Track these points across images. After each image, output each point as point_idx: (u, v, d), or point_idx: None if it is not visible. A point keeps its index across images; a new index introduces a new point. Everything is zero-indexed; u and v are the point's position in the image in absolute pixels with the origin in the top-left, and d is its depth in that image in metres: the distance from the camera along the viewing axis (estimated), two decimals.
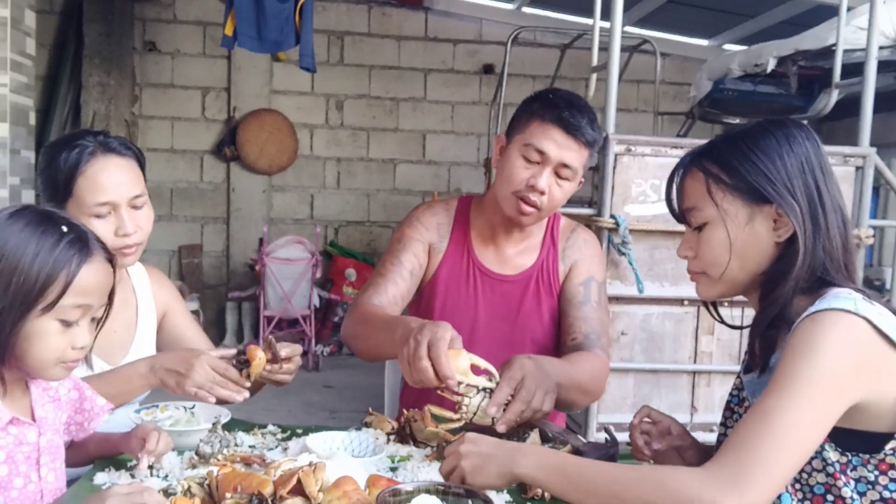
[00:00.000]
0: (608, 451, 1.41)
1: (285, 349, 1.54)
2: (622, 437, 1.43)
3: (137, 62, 6.59)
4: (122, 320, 1.70)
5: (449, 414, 1.36)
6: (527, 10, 6.82)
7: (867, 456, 1.13)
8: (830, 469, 1.14)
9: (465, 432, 1.28)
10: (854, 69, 3.33)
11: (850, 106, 3.41)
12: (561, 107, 1.71)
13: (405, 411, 1.59)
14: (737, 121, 5.11)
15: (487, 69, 7.07)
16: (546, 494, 1.26)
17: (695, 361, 2.98)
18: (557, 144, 1.70)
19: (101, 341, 1.58)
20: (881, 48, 3.33)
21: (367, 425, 1.59)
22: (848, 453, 1.14)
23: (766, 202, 1.20)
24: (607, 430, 1.43)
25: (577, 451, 1.39)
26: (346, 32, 6.92)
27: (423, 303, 1.88)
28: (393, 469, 1.39)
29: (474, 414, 1.41)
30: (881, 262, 6.11)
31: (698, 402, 2.97)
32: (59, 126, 6.20)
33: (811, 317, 1.12)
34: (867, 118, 3.09)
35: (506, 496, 1.28)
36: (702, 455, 1.37)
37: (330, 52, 6.88)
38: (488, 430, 1.37)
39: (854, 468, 1.14)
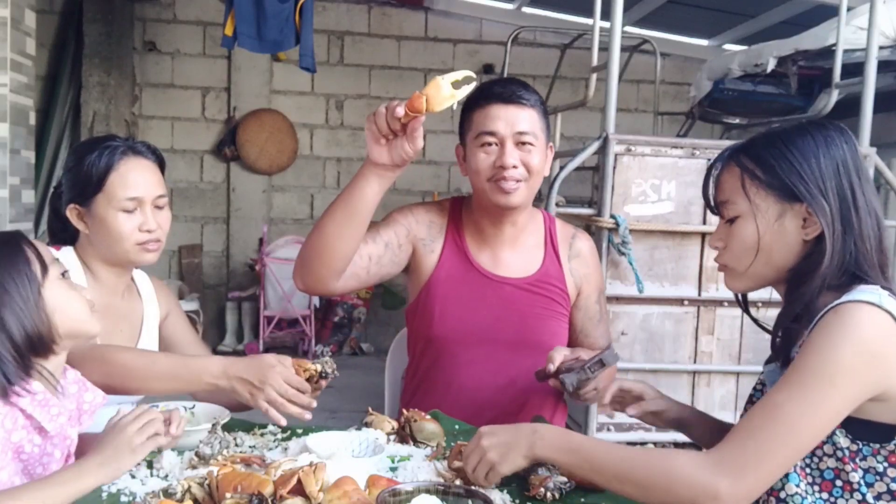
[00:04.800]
0: None
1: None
2: (622, 437, 1.44)
3: (137, 62, 6.59)
4: (127, 323, 1.74)
5: None
6: (527, 10, 6.81)
7: (877, 446, 1.15)
8: (840, 454, 1.17)
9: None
10: (854, 69, 3.33)
11: (850, 106, 3.41)
12: (489, 86, 1.80)
13: (405, 411, 1.59)
14: (737, 121, 5.11)
15: (487, 69, 7.05)
16: (548, 494, 1.27)
17: (695, 361, 2.98)
18: (503, 118, 1.74)
19: (106, 340, 1.60)
20: (881, 48, 3.33)
21: (367, 425, 1.59)
22: (859, 441, 1.16)
23: (798, 200, 1.23)
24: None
25: None
26: (346, 32, 6.92)
27: (420, 305, 1.86)
28: (393, 469, 1.39)
29: None
30: None
31: (698, 402, 2.96)
32: (59, 126, 6.20)
33: (834, 309, 1.15)
34: (867, 118, 3.09)
35: (505, 496, 1.28)
36: (681, 415, 1.46)
37: (330, 52, 6.88)
38: None
39: (864, 458, 1.16)
